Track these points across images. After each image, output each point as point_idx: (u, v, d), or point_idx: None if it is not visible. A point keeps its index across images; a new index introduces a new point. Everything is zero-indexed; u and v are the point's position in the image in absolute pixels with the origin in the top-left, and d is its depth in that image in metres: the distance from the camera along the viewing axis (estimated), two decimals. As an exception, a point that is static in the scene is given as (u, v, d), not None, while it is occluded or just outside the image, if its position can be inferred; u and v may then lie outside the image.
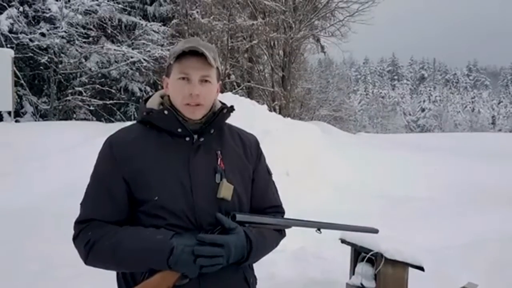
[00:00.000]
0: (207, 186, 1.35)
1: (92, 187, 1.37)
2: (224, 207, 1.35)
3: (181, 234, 1.26)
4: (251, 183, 1.49)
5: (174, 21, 15.12)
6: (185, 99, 1.36)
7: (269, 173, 1.58)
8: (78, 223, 1.34)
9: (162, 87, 1.50)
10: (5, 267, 3.83)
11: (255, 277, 1.50)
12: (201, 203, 1.33)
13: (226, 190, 1.35)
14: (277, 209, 1.57)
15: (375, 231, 1.68)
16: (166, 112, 1.37)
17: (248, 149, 1.51)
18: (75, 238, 1.34)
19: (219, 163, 1.39)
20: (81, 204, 1.37)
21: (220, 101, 1.51)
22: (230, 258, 1.27)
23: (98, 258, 1.29)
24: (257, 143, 1.57)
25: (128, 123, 1.51)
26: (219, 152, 1.41)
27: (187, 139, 1.38)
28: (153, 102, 1.44)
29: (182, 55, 1.34)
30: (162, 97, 1.47)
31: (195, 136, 1.39)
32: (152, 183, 1.31)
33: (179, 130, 1.37)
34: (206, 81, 1.37)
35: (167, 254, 1.21)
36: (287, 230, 1.56)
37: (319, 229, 1.48)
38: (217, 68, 1.42)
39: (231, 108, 1.48)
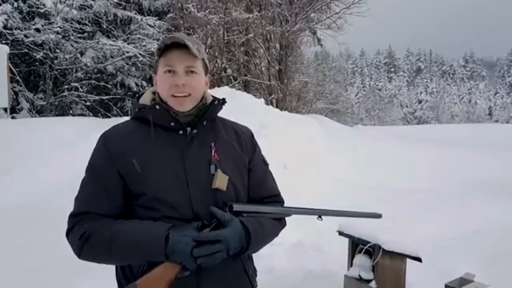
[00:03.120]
0: (202, 177, 1.36)
1: (87, 181, 1.38)
2: (220, 197, 1.36)
3: (178, 226, 1.27)
4: (248, 174, 1.50)
5: (169, 15, 15.02)
6: (171, 90, 1.37)
7: (265, 163, 1.60)
8: (73, 216, 1.35)
9: (159, 82, 1.51)
10: (5, 264, 3.83)
11: (254, 268, 1.52)
12: (196, 195, 1.34)
13: (220, 181, 1.37)
14: (276, 198, 1.58)
15: (378, 216, 1.68)
16: (157, 107, 1.39)
17: (243, 140, 1.53)
18: (68, 232, 1.34)
19: (213, 154, 1.41)
20: (75, 198, 1.37)
21: (212, 95, 1.52)
22: (230, 250, 1.28)
23: (93, 251, 1.30)
24: (251, 134, 1.59)
25: (125, 118, 1.53)
26: (213, 144, 1.43)
27: (181, 132, 1.40)
28: (145, 99, 1.46)
29: (165, 50, 1.36)
30: (154, 93, 1.48)
31: (188, 129, 1.40)
32: (147, 176, 1.32)
33: (172, 124, 1.38)
34: (192, 72, 1.39)
35: (163, 245, 1.22)
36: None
37: (320, 217, 1.48)
38: (203, 60, 1.44)
39: (223, 101, 1.50)
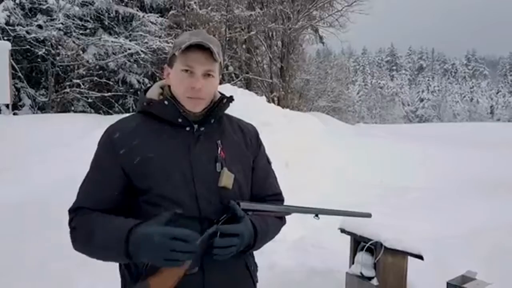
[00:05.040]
0: (208, 175, 1.36)
1: (88, 174, 1.38)
2: (225, 195, 1.36)
3: (143, 223, 1.22)
4: (252, 172, 1.50)
5: (171, 12, 15.01)
6: (187, 92, 1.36)
7: (268, 162, 1.60)
8: (69, 211, 1.37)
9: (161, 79, 1.50)
10: (6, 261, 3.84)
11: (255, 264, 1.53)
12: (202, 192, 1.33)
13: (227, 179, 1.36)
14: (278, 197, 1.59)
15: (368, 215, 1.70)
16: (166, 102, 1.38)
17: (248, 138, 1.53)
18: (68, 224, 1.36)
19: (219, 152, 1.40)
20: (78, 190, 1.39)
21: (219, 92, 1.51)
22: (241, 246, 1.30)
23: (80, 246, 1.32)
24: (256, 133, 1.59)
25: (131, 114, 1.52)
26: (219, 142, 1.42)
27: (188, 129, 1.39)
28: (153, 93, 1.45)
29: (187, 48, 1.33)
30: (161, 87, 1.47)
31: (196, 126, 1.40)
32: (153, 172, 1.32)
33: (180, 120, 1.37)
34: (209, 75, 1.38)
35: (123, 245, 1.19)
36: (287, 220, 1.58)
37: (317, 215, 1.50)
38: (220, 62, 1.43)
39: (231, 98, 1.49)
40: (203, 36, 1.36)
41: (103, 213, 1.32)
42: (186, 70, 1.36)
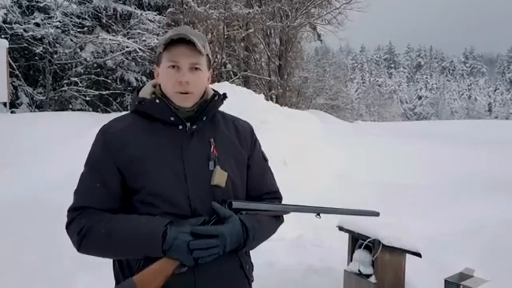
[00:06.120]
0: (201, 173, 1.35)
1: (86, 175, 1.37)
2: (219, 194, 1.35)
3: (177, 221, 1.26)
4: (247, 170, 1.49)
5: (169, 10, 14.97)
6: (176, 87, 1.36)
7: (265, 159, 1.58)
8: (72, 210, 1.34)
9: (158, 77, 1.50)
10: (4, 259, 3.84)
11: (251, 263, 1.51)
12: (195, 191, 1.33)
13: (219, 177, 1.35)
14: (275, 195, 1.57)
15: (376, 214, 1.68)
16: (157, 101, 1.37)
17: (243, 136, 1.51)
18: (68, 226, 1.34)
19: (212, 150, 1.39)
20: (74, 192, 1.37)
21: (213, 89, 1.51)
22: (227, 247, 1.28)
23: (92, 245, 1.29)
24: (251, 130, 1.57)
25: (124, 113, 1.51)
26: (212, 140, 1.41)
27: (180, 127, 1.38)
28: (145, 92, 1.44)
29: (171, 44, 1.34)
30: (154, 86, 1.47)
31: (188, 124, 1.38)
32: (145, 171, 1.31)
33: (172, 118, 1.37)
34: (196, 68, 1.37)
35: (160, 240, 1.21)
36: (285, 218, 1.56)
37: (318, 214, 1.47)
38: (207, 56, 1.42)
39: (224, 96, 1.48)
40: (185, 31, 1.36)
41: (110, 213, 1.31)
42: (173, 66, 1.35)
